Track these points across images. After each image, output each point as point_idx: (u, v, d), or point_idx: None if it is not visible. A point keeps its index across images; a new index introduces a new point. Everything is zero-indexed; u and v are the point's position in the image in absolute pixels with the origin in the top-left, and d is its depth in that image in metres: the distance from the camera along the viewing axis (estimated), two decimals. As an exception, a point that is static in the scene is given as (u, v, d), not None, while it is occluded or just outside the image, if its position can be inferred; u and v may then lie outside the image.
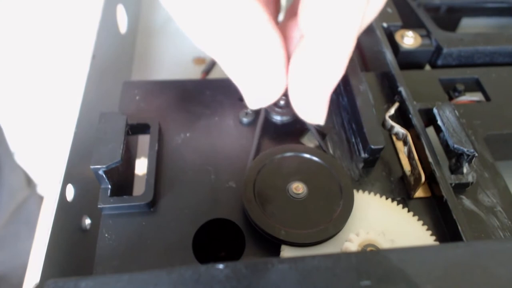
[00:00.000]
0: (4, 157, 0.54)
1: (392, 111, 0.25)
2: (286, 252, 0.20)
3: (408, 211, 0.22)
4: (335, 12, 0.16)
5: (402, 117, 0.26)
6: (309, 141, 0.26)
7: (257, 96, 0.19)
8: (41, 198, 0.55)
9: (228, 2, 0.16)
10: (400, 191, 0.23)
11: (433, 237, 0.21)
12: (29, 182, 0.58)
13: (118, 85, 0.27)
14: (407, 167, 0.24)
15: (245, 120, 0.26)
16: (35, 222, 0.20)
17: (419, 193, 0.23)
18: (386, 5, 0.33)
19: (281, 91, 0.19)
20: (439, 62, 0.31)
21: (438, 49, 0.31)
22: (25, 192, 0.56)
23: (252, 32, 0.16)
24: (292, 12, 0.20)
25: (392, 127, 0.24)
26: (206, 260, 0.18)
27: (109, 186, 0.21)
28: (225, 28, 0.16)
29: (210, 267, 0.15)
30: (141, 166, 0.29)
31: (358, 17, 0.16)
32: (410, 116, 0.25)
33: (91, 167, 0.20)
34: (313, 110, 0.19)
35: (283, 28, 0.20)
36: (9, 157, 0.55)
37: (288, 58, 0.18)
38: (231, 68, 0.18)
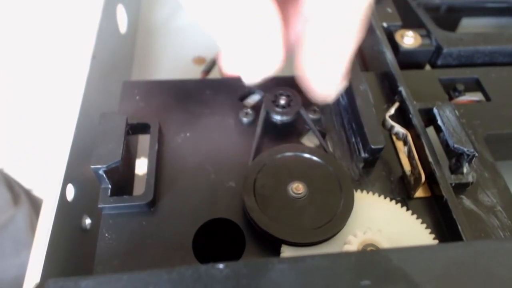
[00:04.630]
0: None
1: (392, 111, 0.25)
2: (286, 252, 0.20)
3: (408, 211, 0.22)
4: None
5: (402, 117, 0.26)
6: (309, 141, 0.26)
7: (252, 65, 0.19)
8: (29, 215, 0.55)
9: None
10: (400, 191, 0.23)
11: (433, 237, 0.21)
12: (16, 200, 0.58)
13: (118, 85, 0.27)
14: (407, 167, 0.24)
15: (245, 120, 0.26)
16: (22, 239, 0.20)
17: (419, 193, 0.23)
18: (386, 5, 0.33)
19: (278, 62, 0.19)
20: (439, 62, 0.31)
21: (438, 49, 0.31)
22: (10, 211, 0.56)
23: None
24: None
25: (392, 127, 0.24)
26: (206, 260, 0.18)
27: (109, 186, 0.21)
28: None
29: (210, 267, 0.15)
30: (141, 166, 0.29)
31: None
32: (410, 116, 0.25)
33: (91, 167, 0.20)
34: (329, 85, 0.20)
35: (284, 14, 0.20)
36: None
37: (286, 42, 0.18)
38: (224, 36, 0.18)
